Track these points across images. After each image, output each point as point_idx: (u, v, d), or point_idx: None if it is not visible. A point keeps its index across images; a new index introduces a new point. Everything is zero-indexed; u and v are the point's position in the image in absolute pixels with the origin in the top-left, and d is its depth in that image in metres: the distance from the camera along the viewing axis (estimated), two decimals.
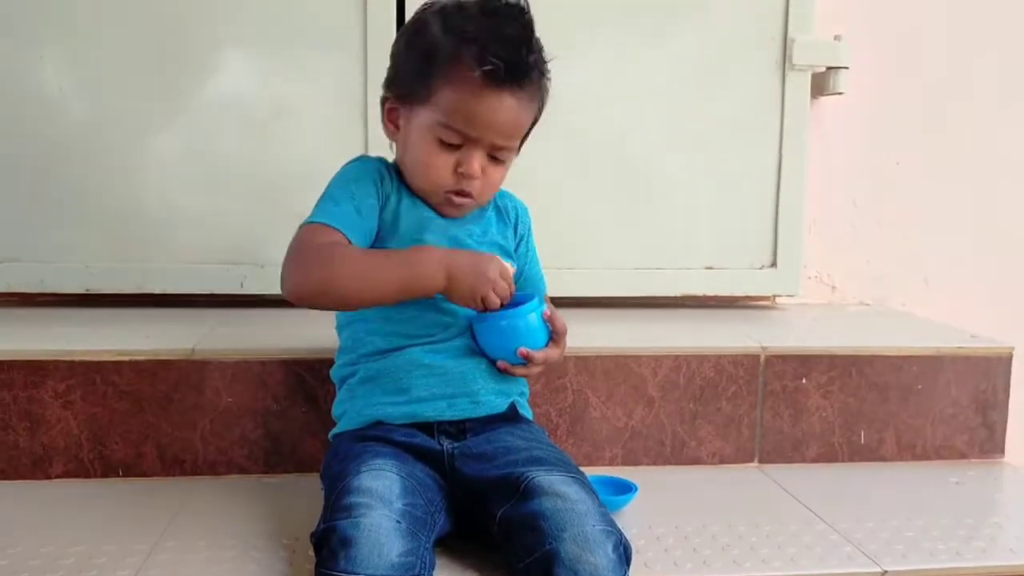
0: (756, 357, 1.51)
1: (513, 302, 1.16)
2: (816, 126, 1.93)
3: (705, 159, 1.86)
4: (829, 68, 1.87)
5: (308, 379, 1.40)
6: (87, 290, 1.71)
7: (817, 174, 1.94)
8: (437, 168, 1.16)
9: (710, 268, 1.88)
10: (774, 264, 1.89)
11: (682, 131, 1.85)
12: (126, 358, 1.38)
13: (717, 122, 1.85)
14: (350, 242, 1.12)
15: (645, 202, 1.85)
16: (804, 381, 1.52)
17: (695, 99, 1.84)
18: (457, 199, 1.18)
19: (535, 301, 1.17)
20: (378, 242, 1.18)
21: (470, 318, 1.19)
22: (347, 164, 1.23)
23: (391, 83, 1.21)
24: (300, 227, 1.14)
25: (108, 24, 1.69)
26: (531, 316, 1.16)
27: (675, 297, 1.88)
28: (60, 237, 1.71)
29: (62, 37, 1.69)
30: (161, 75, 1.71)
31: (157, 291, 1.72)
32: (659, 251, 1.86)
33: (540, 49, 1.16)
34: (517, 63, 1.11)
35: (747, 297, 1.95)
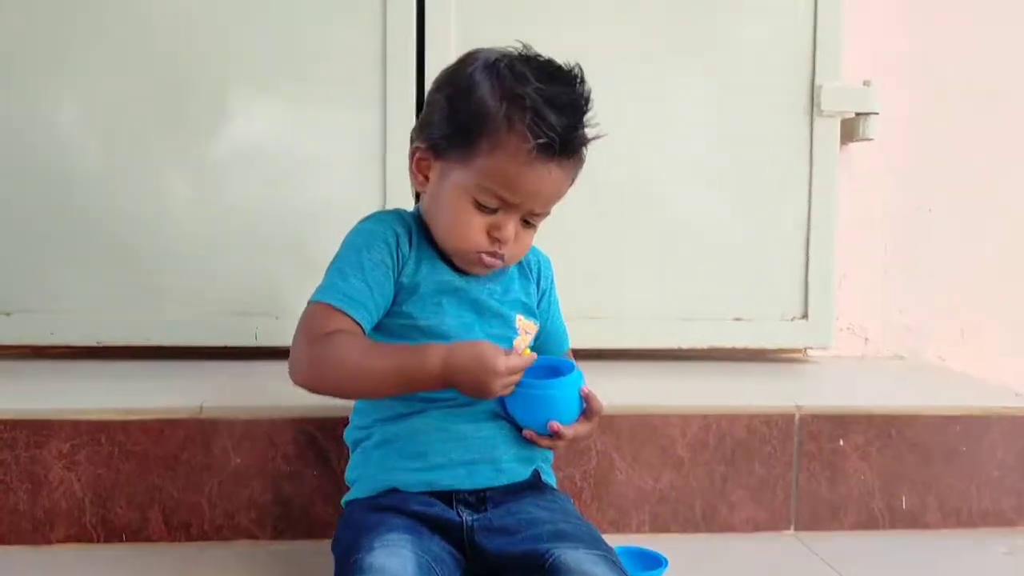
0: (791, 417, 1.44)
1: (546, 364, 1.10)
2: (846, 172, 1.87)
3: (733, 207, 1.81)
4: (858, 114, 1.82)
5: (320, 439, 1.34)
6: (98, 342, 1.67)
7: (848, 221, 1.88)
8: (470, 230, 1.10)
9: (739, 319, 1.81)
10: (805, 315, 1.82)
11: (709, 178, 1.80)
12: (134, 417, 1.33)
13: (745, 169, 1.80)
14: (357, 323, 1.08)
15: (671, 250, 1.80)
16: (841, 442, 1.45)
17: (722, 146, 1.80)
18: (490, 259, 1.13)
19: (575, 374, 1.10)
20: (395, 305, 1.13)
21: None
22: (361, 223, 1.17)
23: (425, 132, 1.13)
24: (308, 304, 1.10)
25: (126, 69, 1.67)
26: (570, 389, 1.09)
27: (702, 349, 1.82)
28: (71, 287, 1.67)
29: (77, 81, 1.67)
30: (177, 121, 1.69)
31: (168, 343, 1.68)
32: (686, 301, 1.80)
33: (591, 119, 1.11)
34: (573, 137, 1.07)
35: (778, 350, 1.88)
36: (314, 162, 1.71)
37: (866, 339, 1.97)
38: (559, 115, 1.05)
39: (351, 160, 1.72)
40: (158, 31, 1.67)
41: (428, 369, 1.03)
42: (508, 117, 1.05)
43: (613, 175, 1.75)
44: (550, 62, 1.10)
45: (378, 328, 1.12)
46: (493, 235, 1.10)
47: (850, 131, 1.84)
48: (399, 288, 1.13)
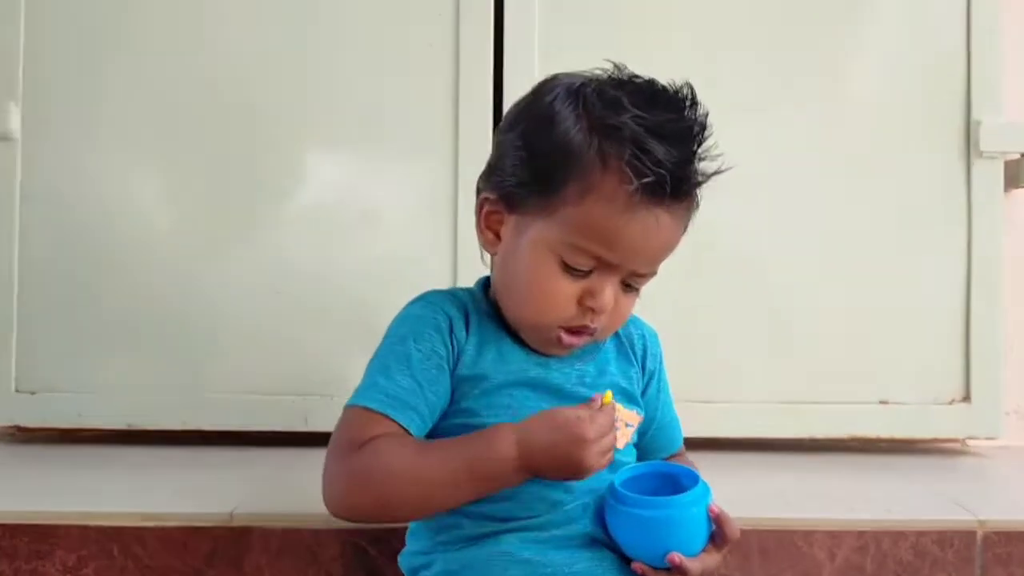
0: (971, 534, 1.12)
1: (659, 472, 0.90)
2: (1012, 223, 1.56)
3: (873, 267, 1.51)
4: None
5: (372, 555, 1.09)
6: (128, 425, 1.47)
7: (1014, 282, 1.56)
8: (556, 298, 0.87)
9: (884, 403, 1.50)
10: (966, 398, 1.50)
11: (843, 234, 1.52)
12: (151, 523, 1.11)
13: (887, 223, 1.52)
14: (406, 429, 0.86)
15: (799, 322, 1.51)
16: None
17: (859, 197, 1.52)
18: (570, 338, 0.89)
19: (700, 487, 0.86)
20: (452, 404, 0.90)
21: (600, 494, 0.88)
22: (407, 307, 0.95)
23: (495, 179, 0.92)
24: (345, 409, 0.90)
25: (176, 127, 1.51)
26: (694, 510, 0.85)
27: (838, 439, 1.50)
28: (103, 364, 1.49)
29: (125, 139, 1.51)
30: (230, 179, 1.51)
31: (205, 427, 1.47)
32: (818, 381, 1.50)
33: (710, 150, 0.87)
34: (686, 174, 0.84)
35: (931, 440, 1.55)
36: (377, 218, 1.51)
37: None
38: (667, 146, 0.82)
39: (419, 217, 1.50)
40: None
41: (500, 453, 0.81)
42: (602, 153, 0.83)
43: (721, 228, 1.47)
44: (651, 83, 0.87)
45: (432, 436, 0.89)
46: (586, 304, 0.87)
47: (1015, 175, 1.53)
48: (456, 383, 0.91)
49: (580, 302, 0.87)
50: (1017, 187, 1.54)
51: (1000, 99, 1.51)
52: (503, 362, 0.91)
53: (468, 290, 0.98)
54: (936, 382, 1.51)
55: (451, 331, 0.91)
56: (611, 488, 0.87)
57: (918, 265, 1.51)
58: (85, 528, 1.10)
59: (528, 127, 0.89)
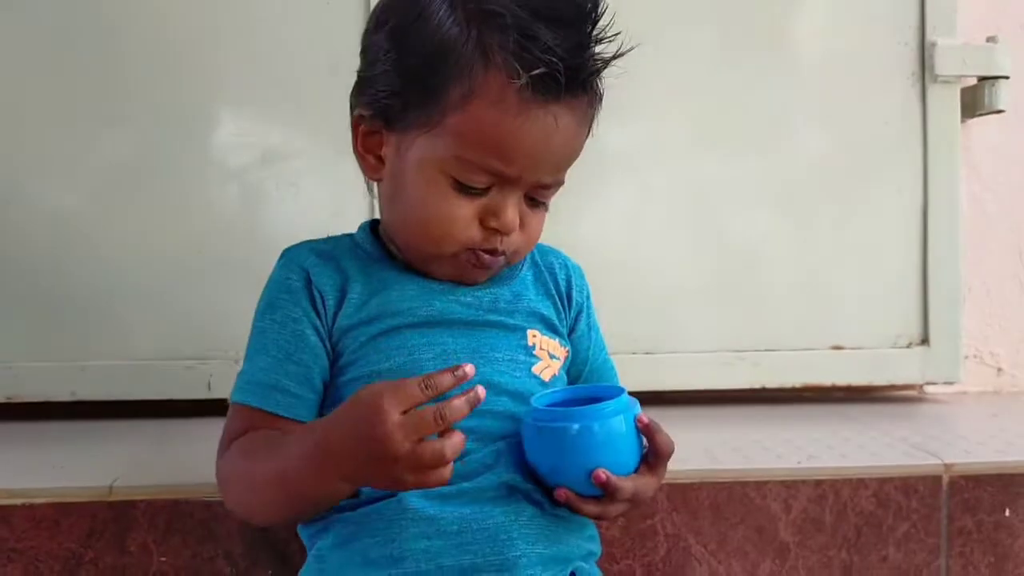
0: (937, 480, 1.04)
1: (582, 395, 0.79)
2: (968, 157, 1.48)
3: (825, 204, 1.43)
4: (982, 79, 1.43)
5: (275, 531, 0.97)
6: (8, 398, 1.32)
7: (971, 219, 1.49)
8: (455, 223, 0.78)
9: (839, 348, 1.42)
10: (925, 340, 1.42)
11: (792, 171, 1.43)
12: (17, 501, 0.97)
13: (839, 157, 1.43)
14: (276, 415, 0.78)
15: (747, 263, 1.42)
16: (1008, 513, 1.05)
17: (806, 128, 1.43)
18: (487, 259, 0.79)
19: (624, 398, 0.76)
20: (343, 358, 0.81)
21: (520, 416, 0.78)
22: (273, 271, 0.85)
23: (366, 92, 0.81)
24: None
25: (72, 71, 1.35)
26: (617, 419, 0.75)
27: (791, 389, 1.41)
28: None
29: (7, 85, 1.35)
30: (104, 123, 1.35)
31: (98, 398, 1.32)
32: (769, 328, 1.41)
33: (606, 30, 0.75)
34: (582, 61, 0.74)
35: (888, 387, 1.46)
36: (283, 163, 1.37)
37: (998, 369, 1.57)
38: (556, 29, 0.71)
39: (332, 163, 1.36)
40: None
41: (301, 458, 0.71)
42: (482, 45, 0.73)
43: (668, 170, 1.39)
44: None
45: (337, 395, 0.81)
46: (489, 225, 0.78)
47: (972, 102, 1.45)
48: (340, 335, 0.81)
49: (483, 223, 0.77)
50: (974, 115, 1.45)
51: (955, 20, 1.43)
52: (400, 300, 0.81)
53: (346, 235, 0.87)
54: (892, 324, 1.43)
55: (308, 285, 0.81)
56: (527, 411, 0.77)
57: (872, 201, 1.44)
58: None
59: (395, 25, 0.77)
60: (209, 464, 0.86)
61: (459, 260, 0.79)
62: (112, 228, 1.35)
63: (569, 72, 0.71)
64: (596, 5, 0.74)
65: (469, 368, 0.67)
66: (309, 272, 0.81)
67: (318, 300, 0.81)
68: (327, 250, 0.84)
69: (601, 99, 0.79)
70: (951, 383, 1.45)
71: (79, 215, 1.35)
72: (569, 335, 0.90)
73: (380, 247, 0.85)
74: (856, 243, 1.43)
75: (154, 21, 1.35)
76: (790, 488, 1.02)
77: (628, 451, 0.76)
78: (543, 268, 0.90)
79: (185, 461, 1.08)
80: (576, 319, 0.91)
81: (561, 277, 0.91)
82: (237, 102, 1.37)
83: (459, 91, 0.73)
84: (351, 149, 1.37)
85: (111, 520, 0.97)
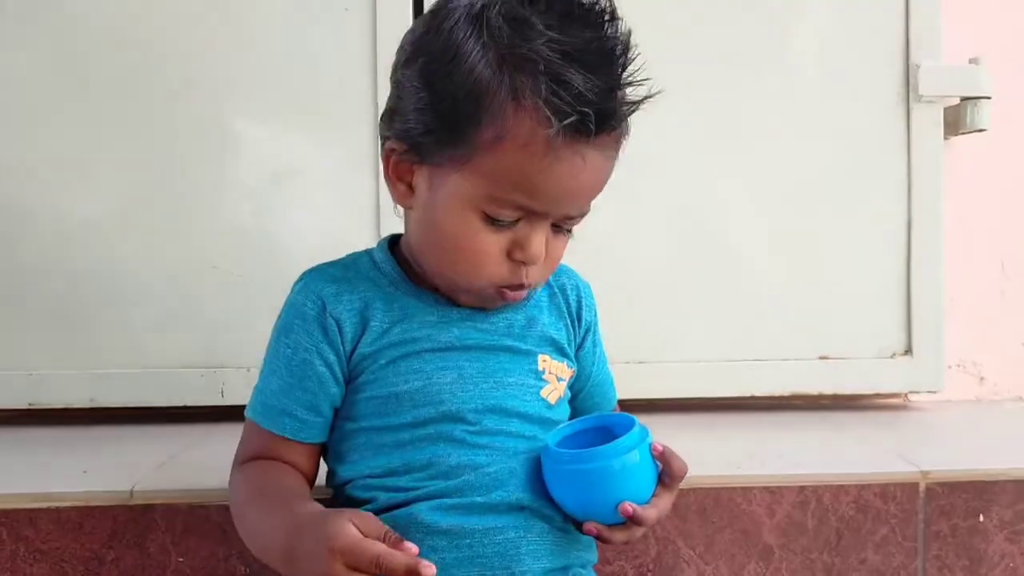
0: (914, 486, 1.09)
1: (592, 426, 0.85)
2: (951, 174, 1.52)
3: (813, 220, 1.47)
4: (965, 99, 1.48)
5: None
6: (30, 404, 1.37)
7: (954, 233, 1.53)
8: (486, 257, 0.79)
9: (825, 358, 1.46)
10: (908, 351, 1.47)
11: (781, 186, 1.47)
12: (43, 504, 1.02)
13: (826, 173, 1.47)
14: (282, 437, 0.85)
15: (738, 276, 1.46)
16: (982, 519, 1.09)
17: (797, 144, 1.47)
18: (510, 295, 0.83)
19: (636, 429, 0.80)
20: (360, 377, 0.84)
21: (531, 456, 0.82)
22: (291, 291, 0.87)
23: (396, 125, 0.81)
24: None
25: (65, 75, 1.39)
26: (632, 454, 0.78)
27: (780, 397, 1.46)
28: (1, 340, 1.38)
29: (7, 99, 1.39)
30: (144, 147, 1.40)
31: (116, 404, 1.37)
32: (758, 338, 1.45)
33: (636, 74, 0.77)
34: (611, 105, 0.74)
35: (874, 395, 1.51)
36: (297, 177, 1.42)
37: (981, 378, 1.61)
38: (587, 74, 0.72)
39: (342, 179, 1.42)
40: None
41: (272, 538, 0.75)
42: (514, 89, 0.73)
43: (658, 186, 1.44)
44: None
45: (354, 412, 0.85)
46: (516, 258, 0.80)
47: (955, 121, 1.49)
48: (358, 360, 0.84)
49: (510, 255, 0.79)
50: (956, 134, 1.50)
51: (939, 43, 1.46)
52: (420, 327, 0.84)
53: (364, 254, 0.90)
54: (878, 336, 1.47)
55: (323, 313, 0.83)
56: (546, 450, 0.81)
57: (858, 214, 1.47)
58: None
59: (427, 63, 0.78)
60: (223, 470, 0.91)
61: (485, 293, 0.82)
62: (131, 241, 1.40)
63: (599, 118, 0.73)
64: (627, 48, 0.75)
65: (431, 571, 0.67)
66: (325, 301, 0.83)
67: (332, 329, 0.83)
68: (345, 275, 0.86)
69: (628, 130, 0.81)
70: (934, 392, 1.49)
71: (100, 227, 1.39)
72: (576, 352, 0.94)
73: (400, 268, 0.87)
74: (842, 256, 1.47)
75: (171, 37, 1.40)
76: (774, 493, 1.07)
77: (647, 480, 0.80)
78: (556, 289, 0.93)
79: (201, 466, 1.13)
80: (584, 337, 0.94)
81: (572, 298, 0.94)
82: (251, 117, 1.41)
83: (491, 133, 0.74)
84: (361, 164, 1.44)
85: (131, 522, 1.02)
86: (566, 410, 0.92)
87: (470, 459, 0.81)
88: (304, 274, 0.88)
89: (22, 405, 1.37)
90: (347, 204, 1.41)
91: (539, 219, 0.79)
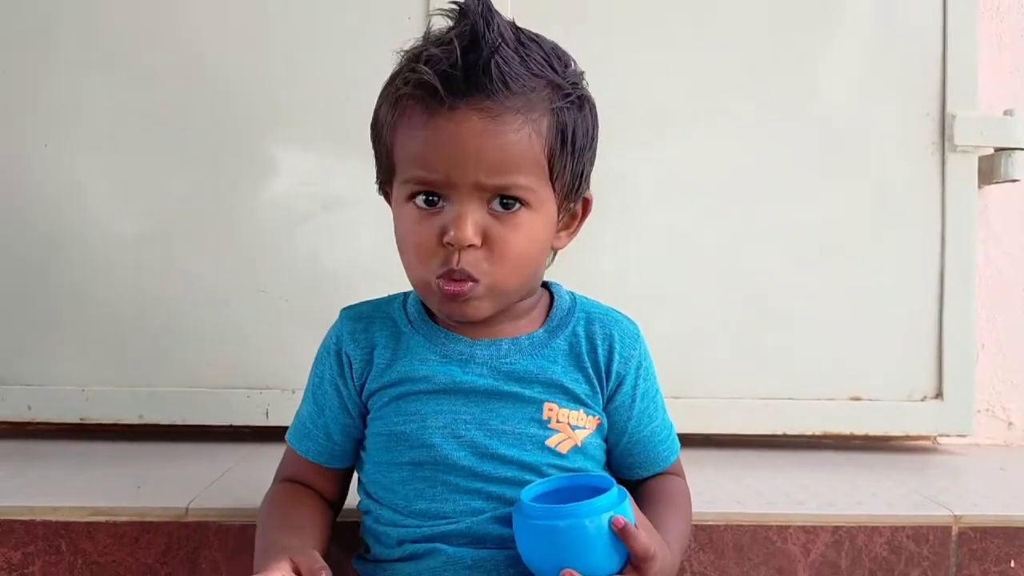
0: (947, 530, 1.10)
1: (578, 485, 0.81)
2: (984, 221, 1.55)
3: (846, 263, 1.49)
4: (999, 149, 1.50)
5: (337, 553, 1.03)
6: (81, 419, 1.41)
7: (987, 280, 1.56)
8: (422, 247, 0.82)
9: (857, 399, 1.48)
10: (939, 395, 1.48)
11: (817, 229, 1.49)
12: (102, 518, 1.06)
13: (861, 218, 1.49)
14: (308, 460, 0.94)
15: (772, 318, 1.48)
16: (1013, 564, 1.11)
17: (834, 189, 1.49)
18: (450, 286, 0.81)
19: (605, 497, 0.76)
20: (371, 413, 0.91)
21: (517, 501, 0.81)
22: (330, 327, 0.96)
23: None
24: None
25: (122, 100, 1.44)
26: (586, 522, 0.74)
27: (810, 436, 1.48)
28: (54, 355, 1.44)
29: (80, 127, 1.45)
30: (193, 170, 1.45)
31: (163, 421, 1.41)
32: (791, 378, 1.48)
33: (517, 45, 0.80)
34: (474, 68, 0.78)
35: (904, 437, 1.53)
36: (341, 206, 1.46)
37: (1009, 423, 1.61)
38: (443, 48, 0.79)
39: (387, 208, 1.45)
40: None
41: (256, 557, 0.85)
42: (390, 83, 0.85)
43: (694, 226, 1.47)
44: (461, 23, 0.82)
45: (373, 451, 0.91)
46: (446, 241, 0.80)
47: (989, 170, 1.52)
48: (367, 396, 0.90)
49: (441, 240, 0.80)
50: (990, 183, 1.52)
51: (975, 93, 1.49)
52: (421, 367, 0.87)
53: (402, 295, 0.94)
54: (909, 379, 1.49)
55: (339, 350, 0.91)
56: (516, 504, 0.80)
57: (892, 261, 1.49)
58: (31, 523, 1.05)
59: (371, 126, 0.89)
60: None
61: (433, 296, 0.83)
62: (183, 264, 1.44)
63: (466, 75, 0.77)
64: (489, 24, 0.78)
65: None
66: (341, 339, 0.90)
67: (346, 365, 0.90)
68: (372, 314, 0.91)
69: (543, 103, 0.81)
70: (963, 435, 1.51)
71: (153, 250, 1.44)
72: (606, 406, 0.90)
73: (424, 309, 0.90)
74: (876, 300, 1.49)
75: (224, 64, 1.45)
76: (809, 533, 1.09)
77: (601, 552, 0.74)
78: (583, 338, 0.90)
79: (251, 486, 1.14)
80: (616, 390, 0.90)
81: (602, 348, 0.90)
82: (304, 146, 1.46)
83: (390, 134, 0.84)
84: None
85: (186, 539, 1.05)
86: (588, 461, 0.89)
87: (466, 504, 0.84)
88: (342, 310, 0.95)
89: (73, 419, 1.41)
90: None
91: (454, 194, 0.79)
